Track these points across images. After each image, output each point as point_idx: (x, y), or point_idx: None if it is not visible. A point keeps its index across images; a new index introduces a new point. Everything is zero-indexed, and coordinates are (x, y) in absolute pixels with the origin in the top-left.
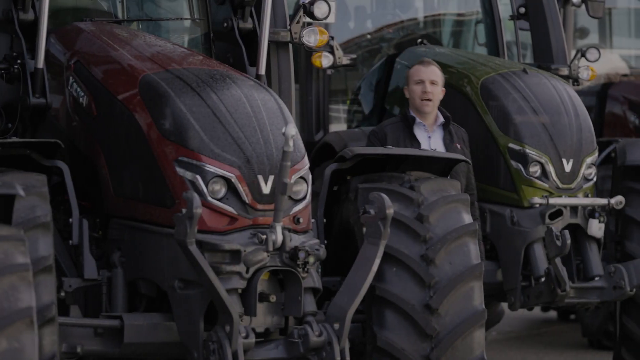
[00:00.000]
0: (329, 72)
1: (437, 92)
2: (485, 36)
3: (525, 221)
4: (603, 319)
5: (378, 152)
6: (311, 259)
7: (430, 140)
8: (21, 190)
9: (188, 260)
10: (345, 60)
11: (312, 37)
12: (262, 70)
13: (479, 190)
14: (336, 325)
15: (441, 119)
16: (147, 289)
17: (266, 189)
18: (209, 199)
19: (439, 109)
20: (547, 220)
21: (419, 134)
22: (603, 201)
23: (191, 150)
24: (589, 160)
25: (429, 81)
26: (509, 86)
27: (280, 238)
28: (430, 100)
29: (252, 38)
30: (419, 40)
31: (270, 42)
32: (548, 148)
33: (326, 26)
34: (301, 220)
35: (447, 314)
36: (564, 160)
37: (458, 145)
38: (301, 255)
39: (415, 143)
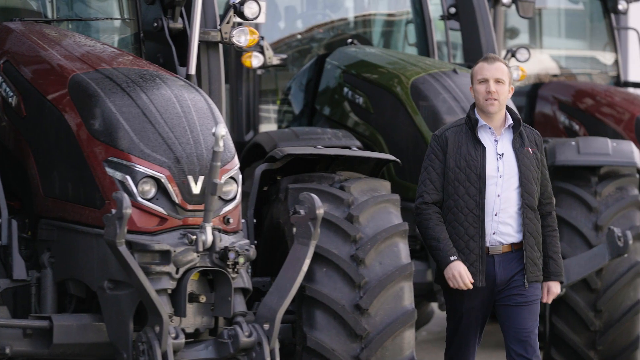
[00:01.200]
0: (259, 72)
1: (504, 91)
2: (416, 36)
3: None
4: None
5: (308, 152)
6: (241, 260)
7: (498, 144)
8: None
9: (118, 260)
10: (275, 61)
11: (242, 37)
12: (192, 71)
13: (407, 190)
14: (266, 326)
15: (510, 121)
16: (76, 290)
17: (196, 189)
18: (139, 199)
19: (508, 109)
20: None
21: (485, 137)
22: None
23: (121, 151)
24: None
25: (494, 80)
26: (439, 86)
27: (210, 238)
28: (495, 100)
29: (182, 38)
30: (349, 40)
31: (200, 42)
32: None
33: (256, 26)
34: (231, 220)
35: (377, 314)
36: None
37: (530, 150)
38: (231, 255)
39: (480, 148)
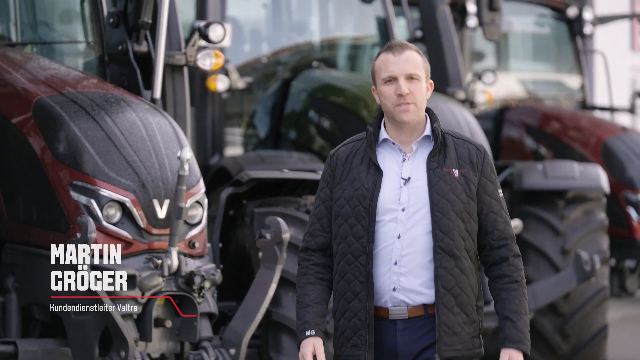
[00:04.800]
0: (224, 95)
1: (420, 91)
2: None
3: None
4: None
5: (273, 176)
6: (207, 284)
7: (405, 165)
8: None
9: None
10: (240, 84)
11: (207, 61)
12: (158, 94)
13: None
14: (232, 351)
15: (427, 131)
16: (41, 315)
17: (161, 213)
18: (104, 223)
19: (430, 115)
20: None
21: (386, 156)
22: None
23: (85, 175)
24: None
25: (405, 76)
26: None
27: (175, 263)
28: (410, 103)
29: (147, 61)
30: (315, 63)
31: (165, 66)
32: None
33: (222, 49)
34: (197, 244)
35: None
36: None
37: (454, 171)
38: (197, 280)
39: (374, 171)
